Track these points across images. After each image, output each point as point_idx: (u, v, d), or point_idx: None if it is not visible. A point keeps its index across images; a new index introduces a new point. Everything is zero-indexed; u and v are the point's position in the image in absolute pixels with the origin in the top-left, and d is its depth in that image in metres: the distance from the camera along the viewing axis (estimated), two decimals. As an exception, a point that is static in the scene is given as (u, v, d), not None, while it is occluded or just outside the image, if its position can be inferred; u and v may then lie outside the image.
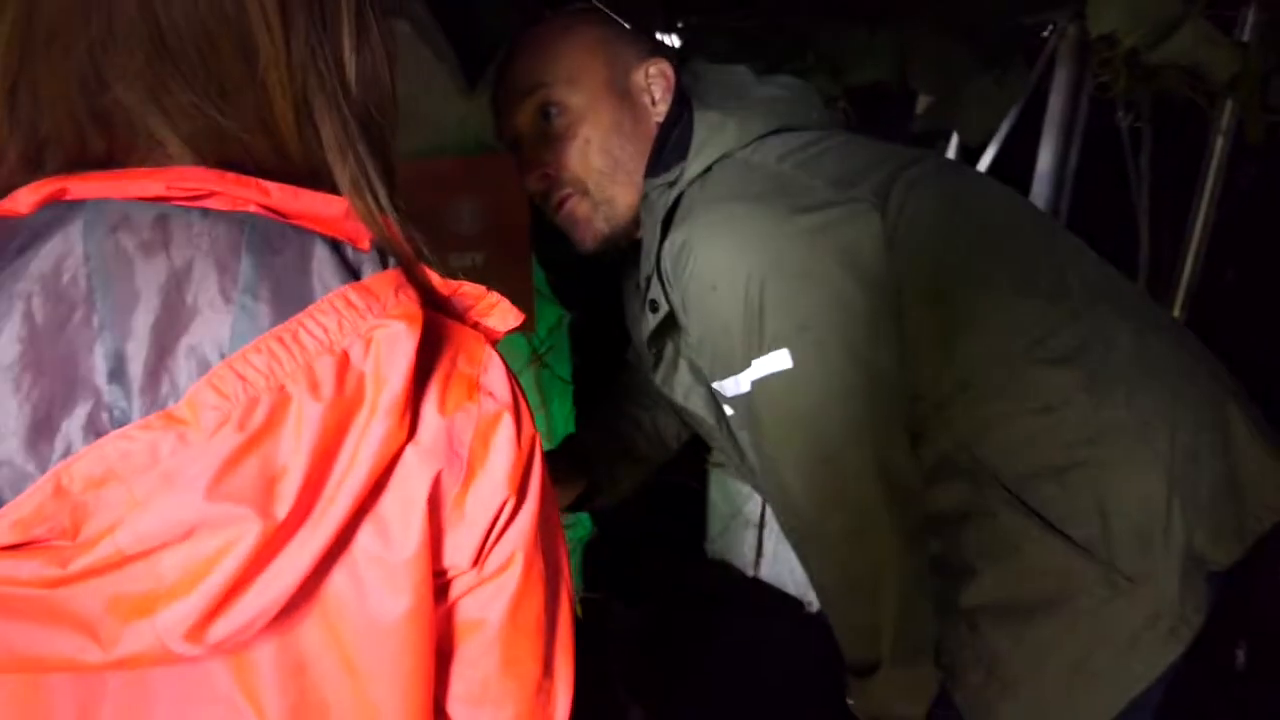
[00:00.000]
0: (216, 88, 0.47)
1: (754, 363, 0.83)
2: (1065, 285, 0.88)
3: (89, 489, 0.39)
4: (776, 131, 0.94)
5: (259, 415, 0.41)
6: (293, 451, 0.41)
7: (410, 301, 0.46)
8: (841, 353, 0.81)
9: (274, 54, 0.47)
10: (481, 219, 1.51)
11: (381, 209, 0.50)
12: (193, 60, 0.47)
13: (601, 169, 0.98)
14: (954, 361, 0.85)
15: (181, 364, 0.42)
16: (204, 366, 0.42)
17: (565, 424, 1.76)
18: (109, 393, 0.42)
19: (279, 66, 0.48)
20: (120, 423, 0.42)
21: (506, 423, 0.48)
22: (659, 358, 1.00)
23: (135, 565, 0.39)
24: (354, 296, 0.44)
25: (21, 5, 0.45)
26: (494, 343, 0.52)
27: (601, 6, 1.03)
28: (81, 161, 0.49)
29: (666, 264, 0.89)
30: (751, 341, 0.83)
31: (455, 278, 0.53)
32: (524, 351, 1.59)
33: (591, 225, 1.01)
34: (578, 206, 1.01)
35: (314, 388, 0.41)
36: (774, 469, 0.87)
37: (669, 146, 0.96)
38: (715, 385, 0.89)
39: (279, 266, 0.44)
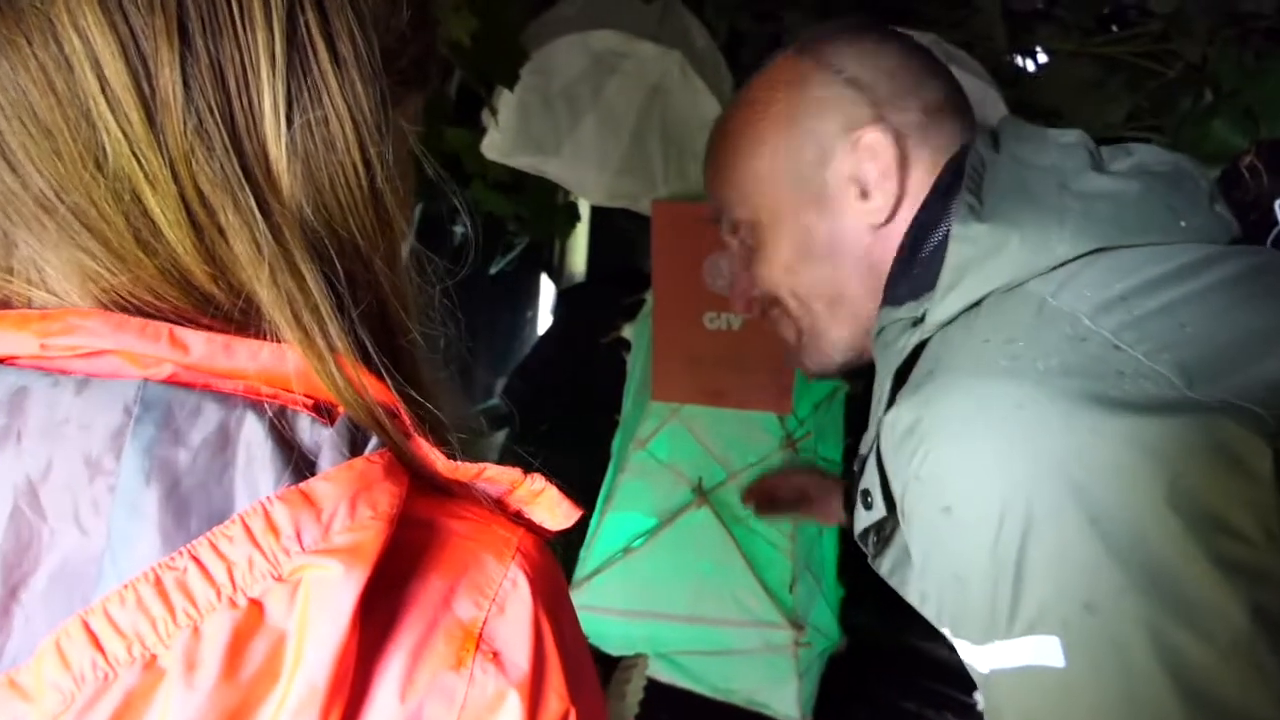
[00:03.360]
0: (63, 201, 0.32)
1: (997, 644, 0.51)
2: None
3: None
4: (1104, 251, 0.57)
5: (101, 711, 0.28)
6: None
7: (374, 520, 0.31)
8: (1155, 664, 0.47)
9: (129, 139, 0.31)
10: (744, 275, 1.30)
11: (333, 355, 0.34)
12: (24, 155, 0.32)
13: (793, 293, 0.72)
14: None
15: (39, 601, 0.30)
16: (68, 608, 0.30)
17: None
18: None
19: (141, 157, 0.32)
20: None
21: (511, 709, 0.32)
22: (883, 543, 0.68)
23: None
24: (279, 513, 0.30)
25: None
26: (545, 541, 0.37)
27: (841, 35, 0.72)
28: None
29: (887, 442, 0.58)
30: (997, 612, 0.50)
31: (478, 453, 0.37)
32: (776, 435, 1.36)
33: (799, 359, 0.76)
34: (785, 333, 0.75)
35: (191, 669, 0.28)
36: None
37: (918, 260, 0.64)
38: (944, 630, 0.59)
39: (181, 463, 0.31)
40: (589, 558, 1.44)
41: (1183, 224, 0.59)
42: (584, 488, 1.48)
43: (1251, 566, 0.46)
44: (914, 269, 0.64)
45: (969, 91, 1.08)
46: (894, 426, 0.56)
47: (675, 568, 1.41)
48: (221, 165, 0.32)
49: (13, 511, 0.30)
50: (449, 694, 0.31)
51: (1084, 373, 0.51)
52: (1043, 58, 1.80)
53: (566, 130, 1.22)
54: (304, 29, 0.33)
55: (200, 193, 0.32)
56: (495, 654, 0.32)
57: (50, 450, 0.31)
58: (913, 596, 0.65)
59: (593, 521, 1.45)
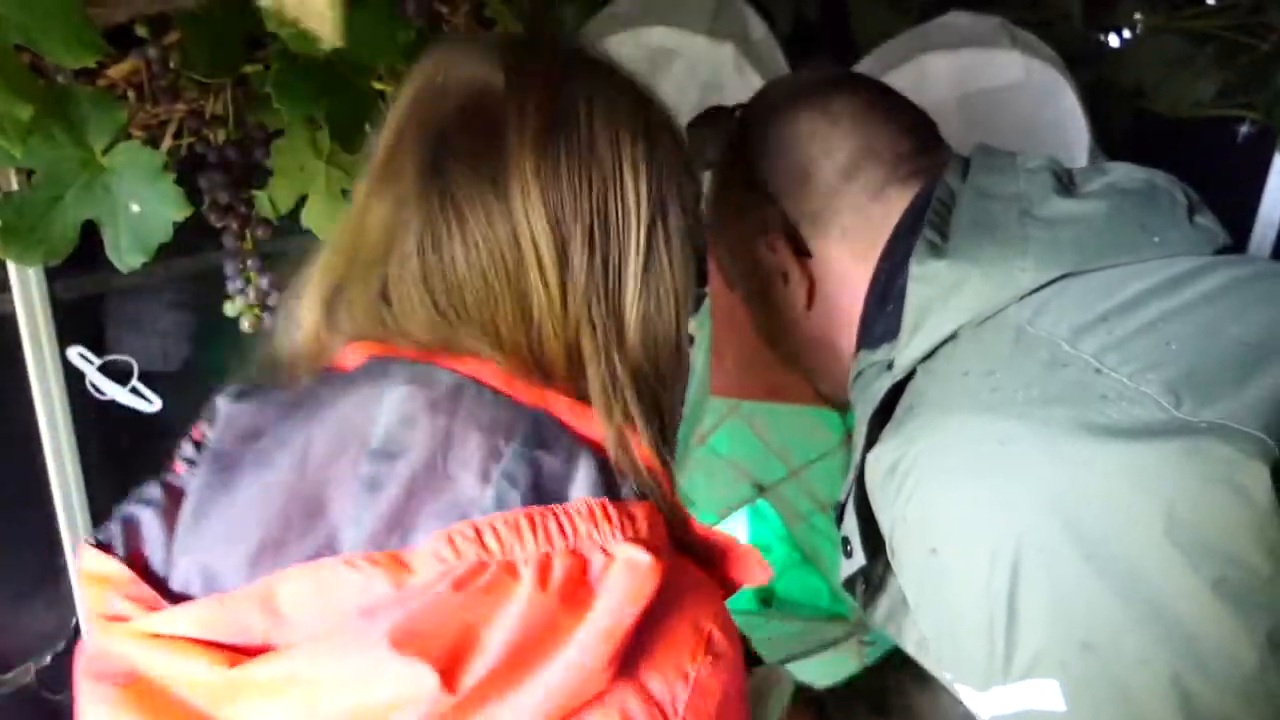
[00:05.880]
0: (493, 332, 0.48)
1: (995, 690, 0.49)
2: None
3: (293, 605, 0.40)
4: (1074, 276, 0.55)
5: (481, 582, 0.39)
6: (498, 631, 0.39)
7: (662, 540, 0.44)
8: (1160, 705, 0.44)
9: (548, 307, 0.48)
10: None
11: (633, 435, 0.48)
12: (470, 306, 0.48)
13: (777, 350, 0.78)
14: None
15: (421, 523, 0.42)
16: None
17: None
18: (342, 537, 0.42)
19: (553, 319, 0.48)
20: None
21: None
22: (874, 590, 0.65)
23: (300, 691, 0.38)
24: (611, 510, 0.43)
25: (352, 224, 0.51)
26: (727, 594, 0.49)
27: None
28: None
29: (871, 483, 0.57)
30: (994, 657, 0.49)
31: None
32: (837, 432, 1.34)
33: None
34: None
35: (544, 581, 0.40)
36: None
37: (891, 298, 0.62)
38: (945, 678, 0.57)
39: (544, 463, 0.44)
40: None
41: (1156, 240, 0.56)
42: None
43: (1259, 597, 0.44)
44: (887, 307, 0.63)
45: (1034, 78, 1.03)
46: (876, 466, 0.55)
47: (736, 564, 1.41)
48: (598, 324, 0.48)
49: (428, 455, 0.44)
50: (683, 678, 0.42)
51: (1065, 400, 0.48)
52: (1127, 33, 1.72)
53: (621, 129, 1.22)
54: (660, 234, 0.50)
55: (578, 339, 0.48)
56: (717, 655, 0.43)
57: (467, 427, 0.45)
58: (909, 645, 0.64)
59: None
